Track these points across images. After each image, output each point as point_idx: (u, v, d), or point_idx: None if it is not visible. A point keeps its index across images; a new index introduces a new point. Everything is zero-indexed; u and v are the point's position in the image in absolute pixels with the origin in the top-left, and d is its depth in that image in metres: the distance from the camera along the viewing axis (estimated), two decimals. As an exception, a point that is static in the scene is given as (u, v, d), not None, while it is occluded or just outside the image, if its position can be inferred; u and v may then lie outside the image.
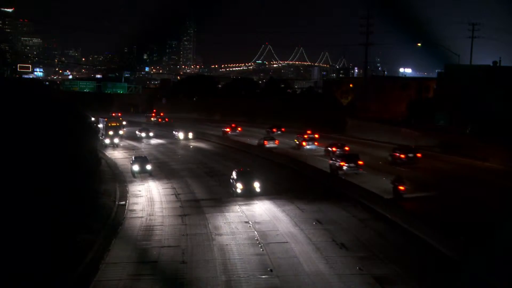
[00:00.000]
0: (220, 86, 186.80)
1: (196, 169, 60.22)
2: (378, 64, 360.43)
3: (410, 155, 57.23)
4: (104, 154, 72.50)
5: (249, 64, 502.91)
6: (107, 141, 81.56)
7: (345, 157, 52.45)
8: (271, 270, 26.93)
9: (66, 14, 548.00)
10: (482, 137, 64.90)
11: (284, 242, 30.82)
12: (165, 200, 44.64)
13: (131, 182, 53.03)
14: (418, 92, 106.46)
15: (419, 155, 57.78)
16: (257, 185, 43.55)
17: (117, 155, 74.34)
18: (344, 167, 50.29)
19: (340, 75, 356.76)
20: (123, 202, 43.64)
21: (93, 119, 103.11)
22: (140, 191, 48.64)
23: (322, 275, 25.52)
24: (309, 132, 78.06)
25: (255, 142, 77.80)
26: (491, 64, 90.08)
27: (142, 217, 39.10)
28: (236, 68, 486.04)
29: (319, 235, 32.07)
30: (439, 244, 28.22)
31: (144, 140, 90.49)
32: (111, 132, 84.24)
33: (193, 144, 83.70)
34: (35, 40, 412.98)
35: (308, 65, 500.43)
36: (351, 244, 30.11)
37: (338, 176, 49.23)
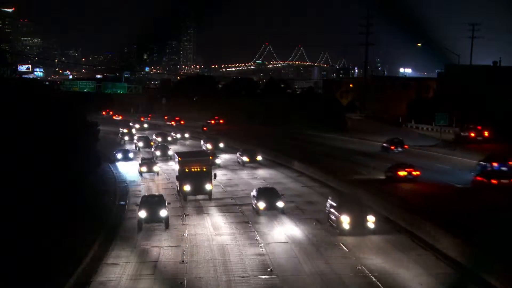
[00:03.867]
0: (220, 86, 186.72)
1: None
2: (378, 64, 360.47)
3: (217, 121, 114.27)
4: None
5: (249, 64, 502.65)
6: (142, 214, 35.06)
7: (176, 121, 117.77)
8: (271, 270, 26.95)
9: (66, 14, 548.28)
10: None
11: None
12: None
13: (131, 182, 53.01)
14: (418, 92, 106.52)
15: (222, 121, 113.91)
16: None
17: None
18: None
19: (340, 75, 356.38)
20: (123, 202, 43.62)
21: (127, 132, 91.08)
22: (140, 191, 48.60)
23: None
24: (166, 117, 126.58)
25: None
26: (491, 64, 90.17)
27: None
28: (236, 68, 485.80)
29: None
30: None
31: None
32: (188, 188, 42.85)
33: None
34: (35, 40, 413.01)
35: (308, 65, 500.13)
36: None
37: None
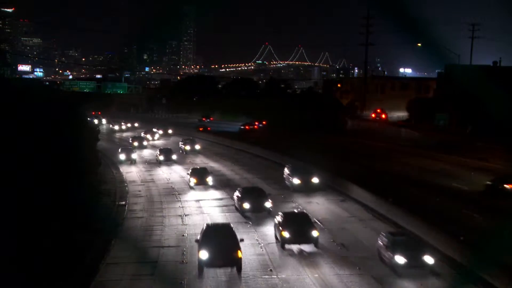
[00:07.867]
0: (220, 86, 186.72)
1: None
2: (378, 64, 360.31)
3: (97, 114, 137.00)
4: None
5: (249, 64, 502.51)
6: None
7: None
8: (271, 270, 26.97)
9: (66, 14, 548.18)
10: (482, 137, 65.06)
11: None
12: (165, 200, 44.65)
13: (131, 182, 53.04)
14: (418, 92, 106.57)
15: (99, 113, 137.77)
16: None
17: None
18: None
19: (340, 75, 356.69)
20: (123, 202, 43.64)
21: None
22: (140, 191, 48.63)
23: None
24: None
25: None
26: (491, 64, 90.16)
27: (142, 217, 39.13)
28: (236, 68, 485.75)
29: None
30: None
31: None
32: None
33: None
34: (35, 40, 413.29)
35: (308, 65, 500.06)
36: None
37: None
